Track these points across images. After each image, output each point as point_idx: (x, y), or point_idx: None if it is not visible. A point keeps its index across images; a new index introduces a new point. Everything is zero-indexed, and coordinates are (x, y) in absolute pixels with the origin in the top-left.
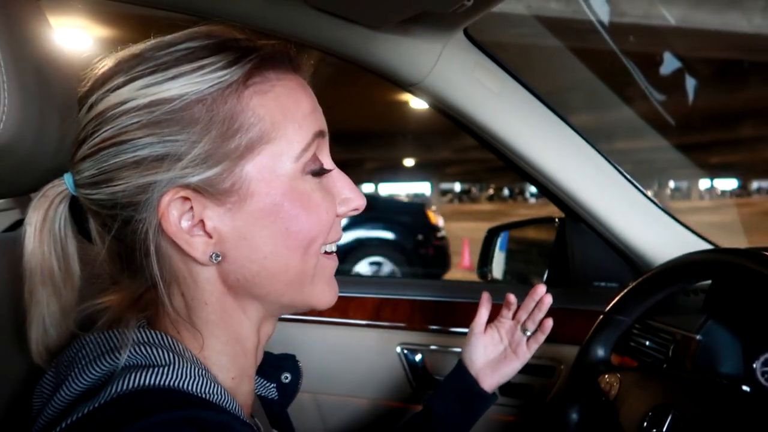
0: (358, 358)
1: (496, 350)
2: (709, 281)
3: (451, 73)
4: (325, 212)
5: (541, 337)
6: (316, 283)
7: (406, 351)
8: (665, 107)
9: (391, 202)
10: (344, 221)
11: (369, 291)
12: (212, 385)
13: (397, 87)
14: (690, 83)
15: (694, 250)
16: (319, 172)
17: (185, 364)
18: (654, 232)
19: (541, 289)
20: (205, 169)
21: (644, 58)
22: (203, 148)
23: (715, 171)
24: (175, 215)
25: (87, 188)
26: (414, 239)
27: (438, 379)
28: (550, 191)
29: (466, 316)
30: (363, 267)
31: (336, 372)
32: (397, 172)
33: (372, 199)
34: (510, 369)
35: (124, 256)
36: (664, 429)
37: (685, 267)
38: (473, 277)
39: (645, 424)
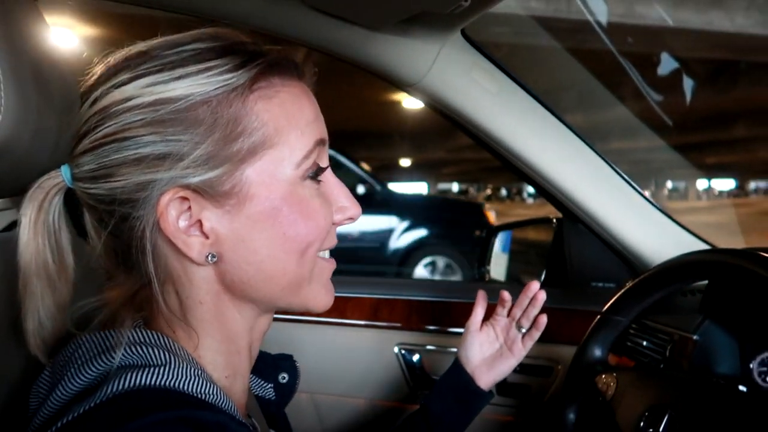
0: (355, 358)
1: (491, 348)
2: (707, 282)
3: (449, 74)
4: (323, 218)
5: (536, 334)
6: (312, 287)
7: (403, 351)
8: (661, 107)
9: (451, 202)
10: (404, 222)
11: (366, 291)
12: (208, 385)
13: (391, 87)
14: (687, 83)
15: (692, 251)
16: (316, 174)
17: (181, 364)
18: (651, 233)
19: (535, 285)
20: (206, 170)
21: (639, 58)
22: (206, 149)
23: (713, 171)
24: (173, 214)
25: (85, 182)
26: (473, 238)
27: (435, 379)
28: (547, 191)
29: (463, 316)
30: (420, 269)
31: (333, 372)
32: (393, 173)
33: (431, 199)
34: (506, 366)
35: (120, 253)
36: (661, 429)
37: (682, 267)
38: None
39: (642, 424)
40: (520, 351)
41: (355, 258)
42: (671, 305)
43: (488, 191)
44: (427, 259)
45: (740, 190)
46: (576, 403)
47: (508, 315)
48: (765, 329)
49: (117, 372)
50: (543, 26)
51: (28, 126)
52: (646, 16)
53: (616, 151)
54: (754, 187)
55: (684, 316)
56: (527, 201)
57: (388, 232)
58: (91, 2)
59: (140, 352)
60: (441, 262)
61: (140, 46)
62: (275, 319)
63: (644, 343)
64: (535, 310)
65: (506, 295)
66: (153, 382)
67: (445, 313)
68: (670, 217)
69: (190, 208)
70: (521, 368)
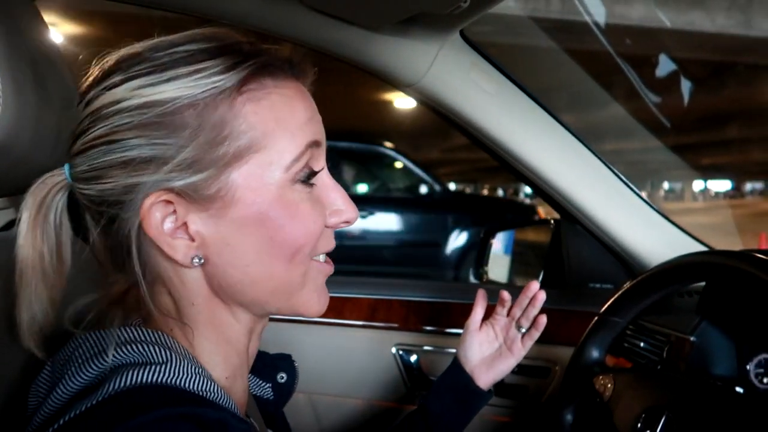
0: (353, 358)
1: (491, 347)
2: (704, 283)
3: (448, 74)
4: (313, 222)
5: (536, 334)
6: (304, 292)
7: (401, 351)
8: (658, 108)
9: (506, 202)
10: (464, 222)
11: (364, 292)
12: (209, 382)
13: (383, 86)
14: (684, 84)
15: (689, 252)
16: (308, 178)
17: (182, 362)
18: (648, 234)
19: (534, 286)
20: (190, 174)
21: (633, 58)
22: (189, 153)
23: (709, 172)
24: (157, 217)
25: (80, 183)
26: None
27: (433, 379)
28: (545, 192)
29: (461, 317)
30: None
31: (331, 372)
32: None
33: (488, 200)
34: (505, 366)
35: (111, 252)
36: (658, 430)
37: (679, 269)
38: None
39: (639, 425)
40: (520, 351)
41: (413, 258)
42: (668, 306)
43: (485, 191)
44: None
45: (736, 192)
46: (573, 404)
47: (508, 315)
48: (762, 331)
49: (118, 370)
50: (538, 26)
51: (27, 125)
52: (642, 18)
53: (612, 152)
54: (750, 189)
55: (681, 317)
56: (524, 201)
57: (448, 232)
58: (79, 1)
59: (141, 350)
60: None
61: (135, 47)
62: (273, 320)
63: (641, 344)
64: (534, 310)
65: (506, 294)
66: (154, 380)
67: (442, 314)
68: (667, 219)
69: (175, 211)
70: (519, 369)
